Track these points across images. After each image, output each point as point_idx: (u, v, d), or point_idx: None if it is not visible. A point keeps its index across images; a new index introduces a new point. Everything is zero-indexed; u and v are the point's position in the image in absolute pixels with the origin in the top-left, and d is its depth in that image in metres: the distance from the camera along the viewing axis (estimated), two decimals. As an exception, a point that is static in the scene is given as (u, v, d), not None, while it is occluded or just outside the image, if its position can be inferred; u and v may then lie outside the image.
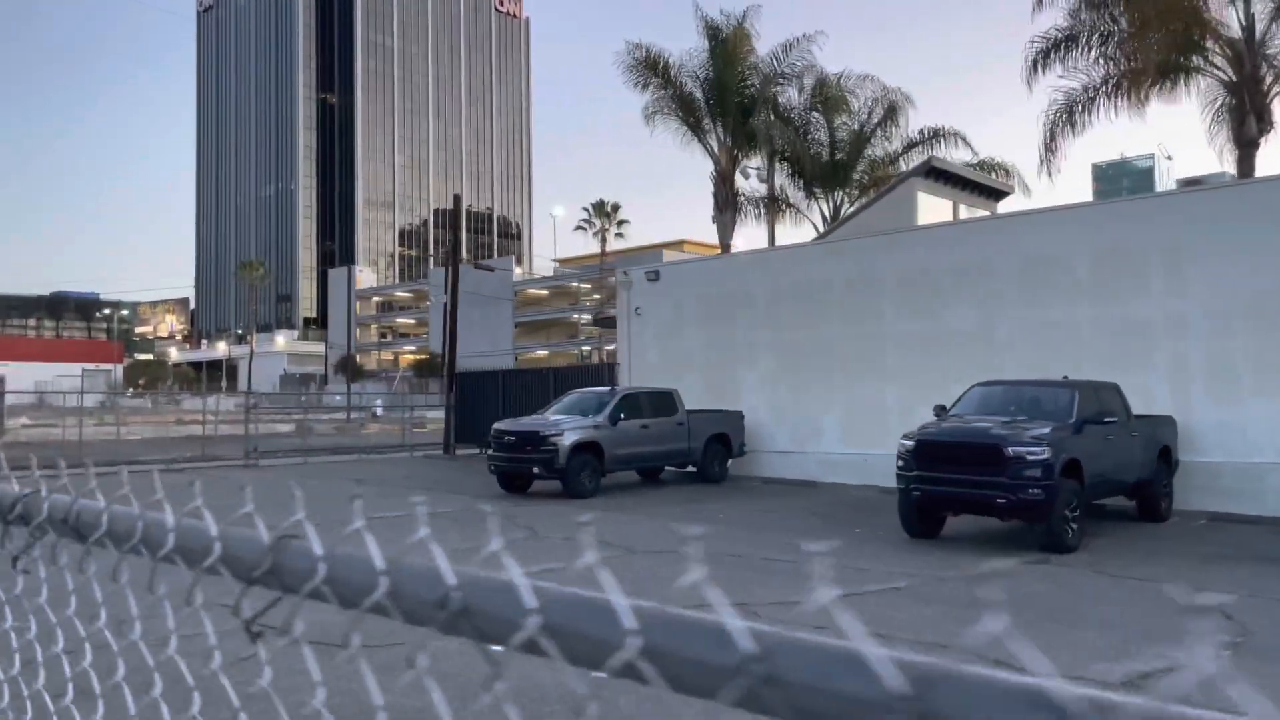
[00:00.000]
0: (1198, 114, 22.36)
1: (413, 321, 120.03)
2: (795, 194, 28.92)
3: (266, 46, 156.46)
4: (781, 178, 28.52)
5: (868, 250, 19.56)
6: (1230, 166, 23.09)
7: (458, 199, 27.22)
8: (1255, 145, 19.85)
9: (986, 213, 22.84)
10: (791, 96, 27.72)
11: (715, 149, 28.03)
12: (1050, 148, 21.47)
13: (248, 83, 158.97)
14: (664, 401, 18.85)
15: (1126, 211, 16.49)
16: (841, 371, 19.77)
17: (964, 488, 11.62)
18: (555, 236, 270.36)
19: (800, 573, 10.10)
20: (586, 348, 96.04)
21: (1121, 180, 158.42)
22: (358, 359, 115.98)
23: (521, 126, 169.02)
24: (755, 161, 28.68)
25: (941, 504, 12.09)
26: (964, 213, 22.67)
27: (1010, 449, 11.35)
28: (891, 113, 27.25)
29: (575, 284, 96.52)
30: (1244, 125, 19.72)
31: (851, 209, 26.12)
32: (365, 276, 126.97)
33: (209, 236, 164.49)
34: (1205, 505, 15.04)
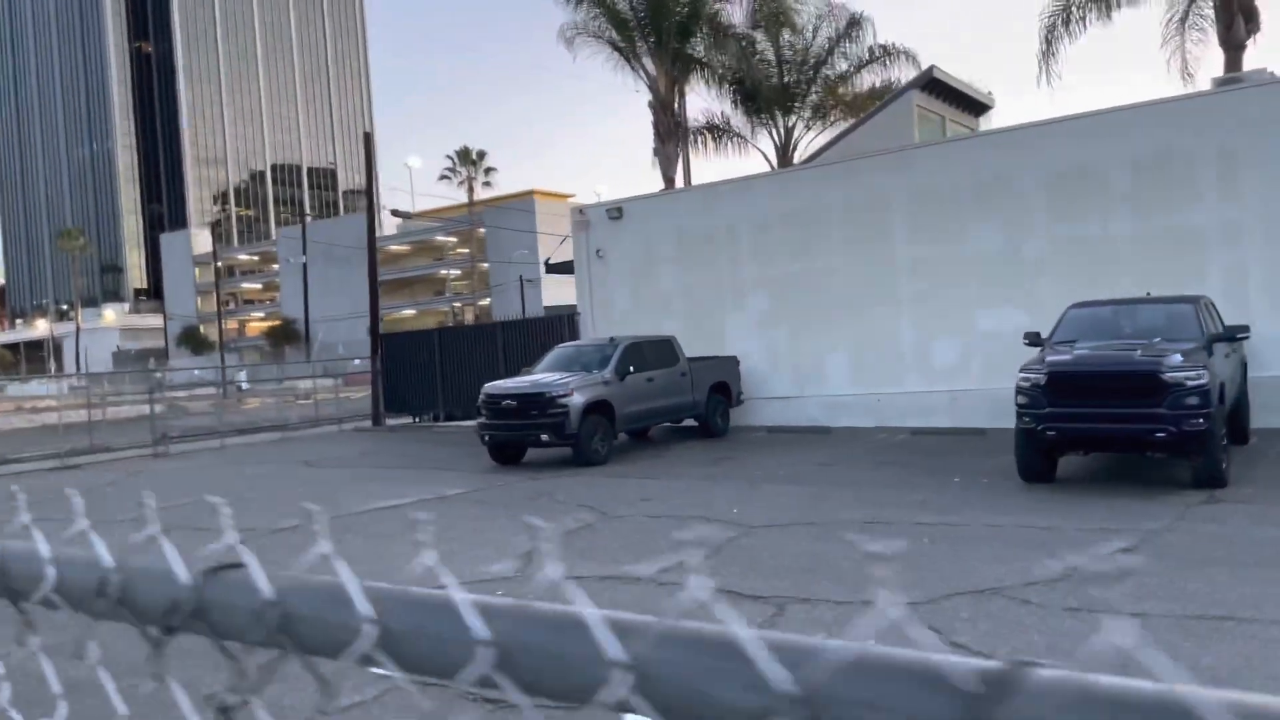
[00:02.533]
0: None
1: (259, 286, 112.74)
2: (739, 122, 27.12)
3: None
4: (724, 104, 26.67)
5: (871, 170, 17.91)
6: (1187, 77, 22.58)
7: (369, 136, 24.08)
8: (1243, 48, 19.27)
9: (968, 129, 21.67)
10: (733, 13, 25.72)
11: (653, 74, 25.73)
12: (1048, 53, 20.33)
13: (47, 32, 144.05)
14: (664, 351, 16.82)
15: (1168, 114, 15.36)
16: (846, 305, 18.17)
17: (1113, 423, 10.15)
18: (413, 189, 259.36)
19: (1028, 542, 8.40)
20: (458, 304, 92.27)
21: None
22: (201, 330, 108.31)
23: (359, 72, 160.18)
24: (694, 87, 26.61)
25: (1082, 443, 10.62)
26: (950, 129, 21.39)
27: (1168, 375, 9.92)
28: (854, 27, 25.62)
29: (440, 238, 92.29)
30: (1232, 28, 19.06)
31: (836, 131, 24.48)
32: (201, 240, 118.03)
33: (14, 206, 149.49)
34: (1271, 422, 14.20)
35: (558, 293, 74.26)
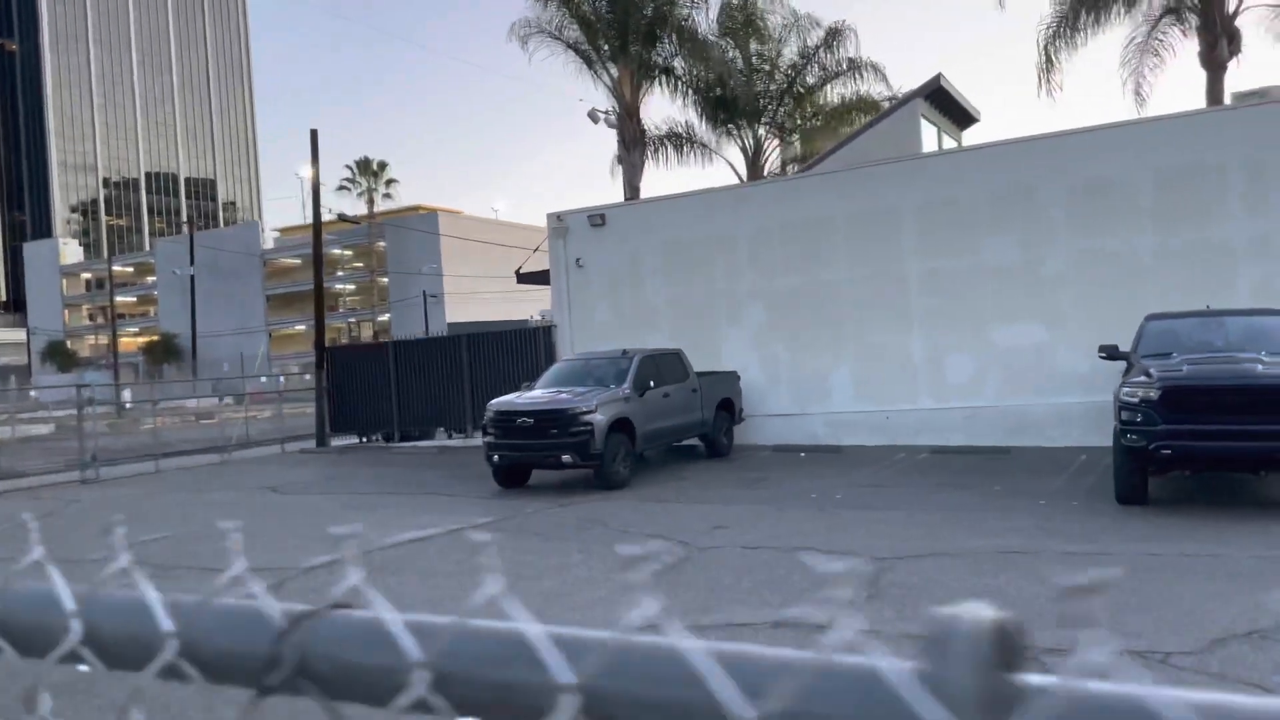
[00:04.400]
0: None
1: (133, 300, 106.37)
2: (704, 132, 26.19)
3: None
4: (688, 113, 25.72)
5: (879, 179, 17.24)
6: (1140, 100, 22.82)
7: (314, 134, 22.22)
8: (1224, 69, 19.48)
9: (955, 142, 21.30)
10: (699, 21, 24.81)
11: (616, 79, 24.61)
12: (1049, 66, 20.14)
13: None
14: (674, 365, 15.72)
15: (1193, 128, 15.16)
16: (852, 319, 17.43)
17: (1236, 440, 9.54)
18: (303, 200, 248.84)
19: (1215, 572, 7.59)
20: (353, 320, 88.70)
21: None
22: (69, 344, 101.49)
23: (242, 79, 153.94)
24: (655, 95, 25.64)
25: (1198, 461, 9.98)
26: (947, 141, 20.96)
27: (1296, 391, 9.37)
28: (835, 38, 25.00)
29: (336, 251, 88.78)
30: (1216, 48, 19.24)
31: (809, 143, 23.85)
32: (70, 250, 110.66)
33: None
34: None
35: (462, 310, 72.42)
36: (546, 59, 24.62)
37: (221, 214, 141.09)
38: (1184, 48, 22.24)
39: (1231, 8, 19.61)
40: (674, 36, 24.23)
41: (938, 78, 20.02)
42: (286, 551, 9.87)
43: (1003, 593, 7.24)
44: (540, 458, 13.45)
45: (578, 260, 19.62)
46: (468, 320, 61.04)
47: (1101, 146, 15.63)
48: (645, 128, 25.26)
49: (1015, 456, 14.94)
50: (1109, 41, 21.02)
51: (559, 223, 19.77)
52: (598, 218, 19.49)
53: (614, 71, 24.79)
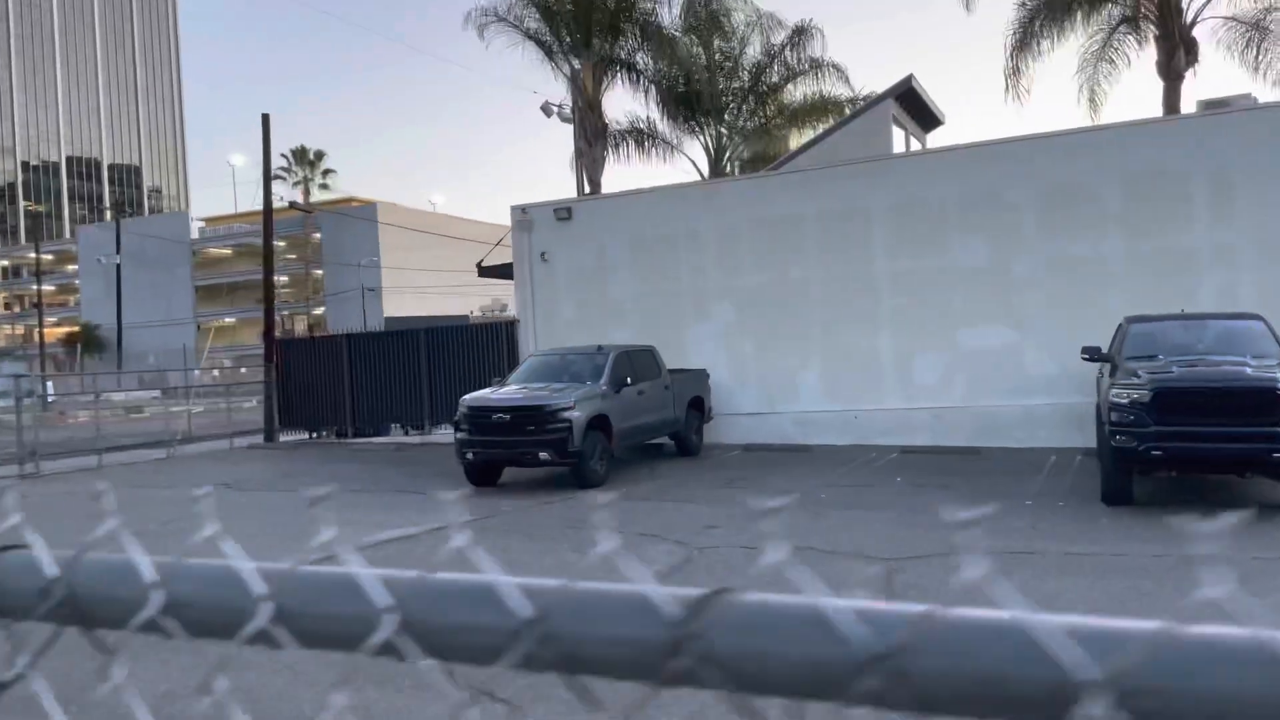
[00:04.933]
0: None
1: (52, 289, 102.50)
2: (665, 128, 25.97)
3: None
4: (649, 109, 25.47)
5: (850, 178, 17.23)
6: (1093, 107, 23.26)
7: (266, 118, 21.42)
8: (1181, 78, 19.92)
9: (919, 144, 21.43)
10: (662, 15, 24.58)
11: (578, 72, 24.25)
12: (1015, 71, 20.36)
13: None
14: (647, 362, 15.50)
15: (1161, 134, 15.44)
16: (821, 318, 17.41)
17: (1224, 442, 9.66)
18: (235, 189, 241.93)
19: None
20: (286, 312, 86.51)
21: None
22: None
23: (169, 61, 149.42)
24: (615, 90, 25.38)
25: (1186, 463, 10.08)
26: (913, 143, 21.05)
27: (1284, 392, 9.52)
28: (800, 35, 24.95)
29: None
30: (1174, 58, 19.66)
31: (770, 140, 23.80)
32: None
33: None
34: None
35: (400, 304, 71.24)
36: (505, 49, 24.05)
37: (147, 202, 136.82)
38: (1139, 57, 22.77)
39: (1189, 19, 20.09)
40: (638, 30, 24.00)
41: (909, 79, 20.13)
42: (271, 553, 9.42)
43: (1029, 593, 7.16)
44: (517, 455, 13.13)
45: (543, 254, 19.29)
46: (406, 315, 60.12)
47: (1071, 151, 15.84)
48: (607, 122, 25.00)
49: (986, 457, 15.04)
50: (1073, 49, 21.35)
51: (523, 215, 19.41)
52: (564, 211, 19.18)
53: (575, 64, 24.47)
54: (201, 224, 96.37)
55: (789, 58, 25.09)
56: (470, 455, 13.30)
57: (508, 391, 13.78)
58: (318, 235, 78.70)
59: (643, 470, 14.93)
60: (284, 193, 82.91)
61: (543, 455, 12.89)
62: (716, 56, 25.70)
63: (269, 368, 21.45)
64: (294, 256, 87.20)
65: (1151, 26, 20.30)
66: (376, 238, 75.86)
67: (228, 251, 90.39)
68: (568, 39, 24.09)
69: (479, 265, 20.14)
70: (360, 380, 20.84)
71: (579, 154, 24.79)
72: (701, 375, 17.25)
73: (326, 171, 75.44)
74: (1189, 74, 20.04)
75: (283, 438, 21.92)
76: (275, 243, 77.49)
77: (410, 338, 20.41)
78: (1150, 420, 9.88)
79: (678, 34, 24.53)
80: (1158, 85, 20.58)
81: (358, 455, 18.57)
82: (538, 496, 12.69)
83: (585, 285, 19.16)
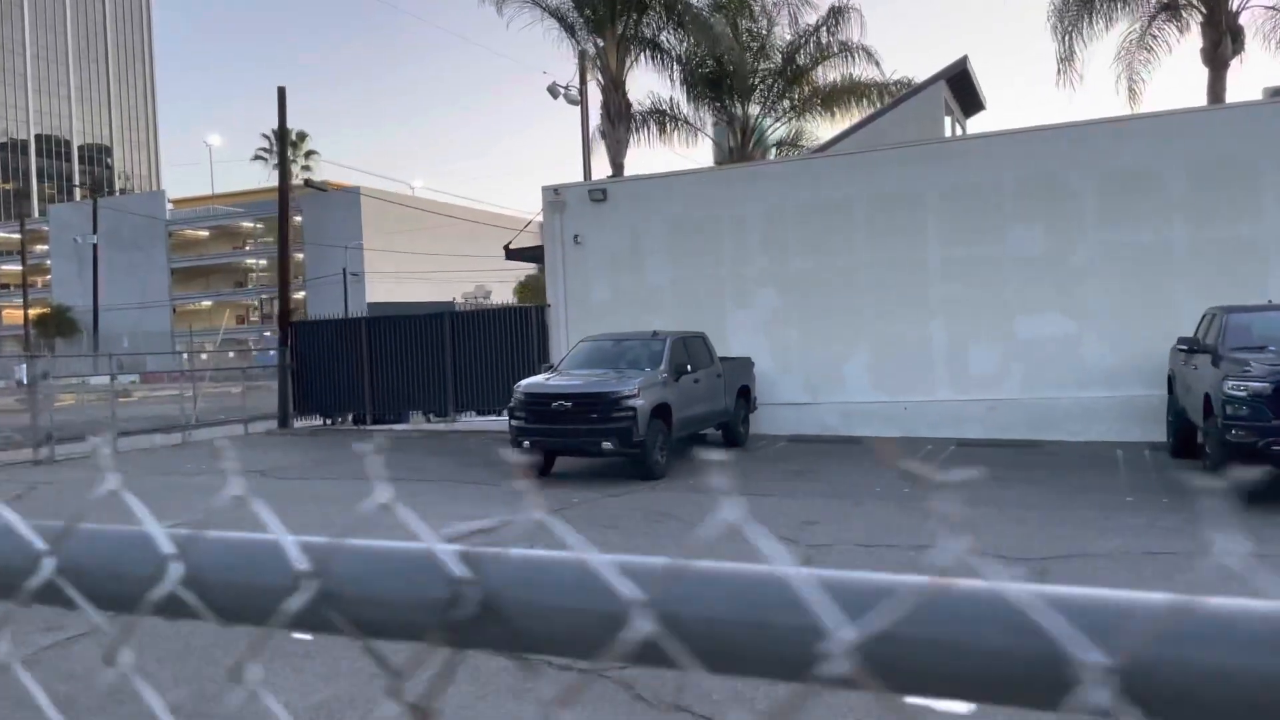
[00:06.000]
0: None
1: (19, 269, 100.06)
2: (689, 110, 25.30)
3: None
4: (674, 90, 24.80)
5: (901, 162, 16.71)
6: (1132, 95, 22.90)
7: (282, 91, 20.57)
8: (1227, 66, 19.58)
9: (958, 129, 20.96)
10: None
11: (601, 50, 23.51)
12: (1067, 56, 19.88)
13: None
14: (699, 349, 14.92)
15: (1229, 121, 15.04)
16: (869, 306, 16.90)
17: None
18: (212, 168, 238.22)
19: None
20: (265, 296, 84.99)
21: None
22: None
23: (141, 38, 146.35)
24: (636, 70, 24.65)
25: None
26: (955, 128, 20.55)
27: None
28: (836, 17, 24.35)
29: (247, 224, 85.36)
30: (1220, 46, 19.32)
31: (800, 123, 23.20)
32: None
33: None
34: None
35: (381, 289, 70.13)
36: (525, 27, 23.24)
37: (118, 182, 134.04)
38: (1179, 45, 22.37)
39: (1235, 6, 19.76)
40: (662, 6, 23.27)
41: (964, 60, 19.60)
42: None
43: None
44: (578, 444, 12.52)
45: (575, 237, 18.63)
46: (390, 300, 59.08)
47: (1133, 136, 15.41)
48: (630, 101, 24.29)
49: (1049, 451, 14.60)
50: (1117, 36, 20.90)
51: (556, 196, 18.73)
52: (598, 192, 18.53)
53: (599, 42, 23.75)
54: (170, 205, 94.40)
55: (825, 39, 24.53)
56: (527, 444, 12.66)
57: (566, 378, 13.15)
58: (299, 219, 77.16)
59: (694, 462, 14.33)
60: (263, 175, 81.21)
61: (605, 445, 12.29)
62: (744, 37, 25.08)
63: (283, 351, 20.64)
64: (270, 239, 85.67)
65: (1197, 13, 19.94)
66: (359, 221, 74.62)
67: (204, 233, 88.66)
68: (590, 15, 23.36)
69: (506, 248, 19.47)
70: (380, 364, 20.10)
71: (601, 135, 24.13)
72: (747, 364, 16.70)
73: (309, 153, 73.77)
74: (1234, 62, 19.73)
75: (296, 424, 21.14)
76: (254, 225, 75.70)
77: (434, 321, 19.68)
78: (1271, 414, 9.46)
79: (705, 12, 23.85)
80: (1194, 74, 20.23)
81: (387, 443, 17.82)
82: (599, 488, 12.09)
83: (619, 269, 18.54)
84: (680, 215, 18.12)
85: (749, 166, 18.24)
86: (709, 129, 26.34)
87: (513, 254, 19.54)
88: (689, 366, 13.71)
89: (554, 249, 18.84)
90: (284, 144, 20.82)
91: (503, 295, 67.40)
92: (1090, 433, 15.32)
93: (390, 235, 72.17)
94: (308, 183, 23.37)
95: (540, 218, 19.32)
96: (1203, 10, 19.73)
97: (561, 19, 23.82)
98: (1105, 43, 20.38)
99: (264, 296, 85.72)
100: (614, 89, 23.66)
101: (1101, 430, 15.26)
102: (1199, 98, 19.98)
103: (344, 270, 70.32)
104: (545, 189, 18.88)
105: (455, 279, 71.03)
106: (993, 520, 9.66)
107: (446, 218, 57.56)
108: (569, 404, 12.41)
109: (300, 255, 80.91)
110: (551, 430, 12.53)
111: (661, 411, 12.83)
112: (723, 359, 15.94)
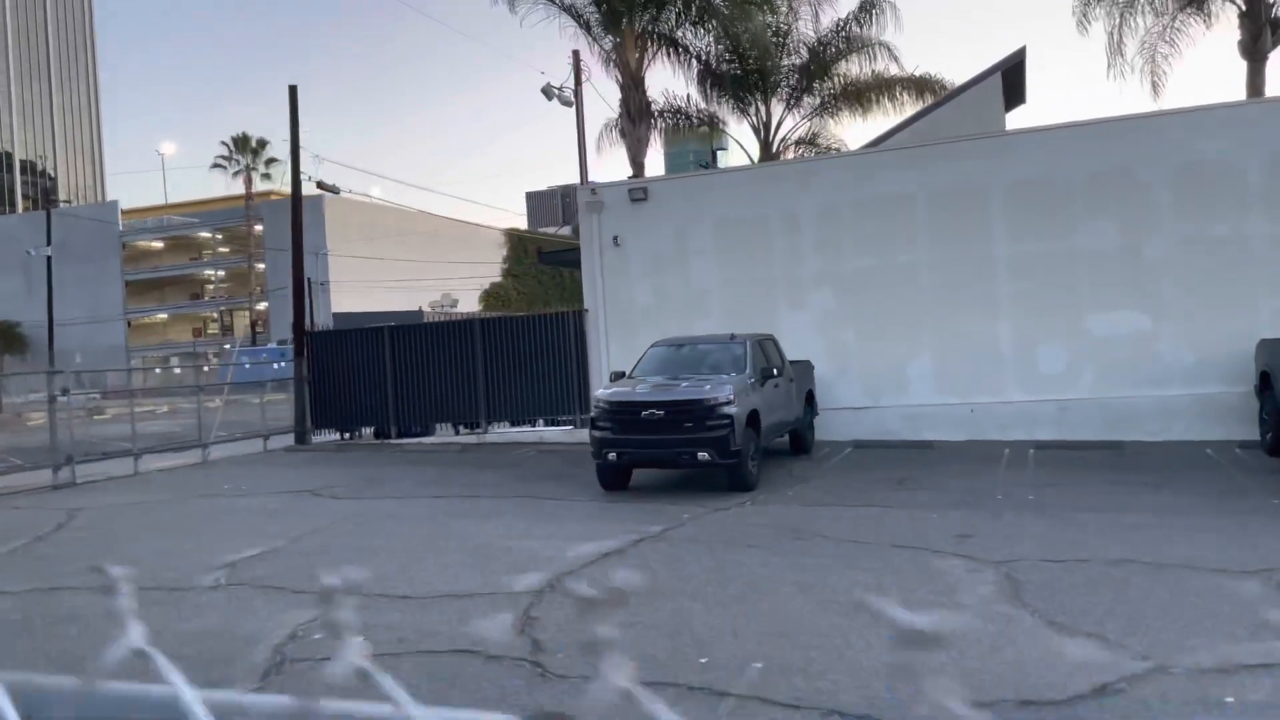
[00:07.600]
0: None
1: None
2: (708, 107, 24.54)
3: None
4: (691, 87, 24.05)
5: (964, 157, 16.16)
6: (1155, 87, 22.67)
7: (293, 90, 19.44)
8: (1265, 59, 19.39)
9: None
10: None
11: (619, 46, 22.67)
12: (1118, 47, 19.50)
13: None
14: (772, 353, 14.18)
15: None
16: (932, 306, 16.30)
17: None
18: (165, 178, 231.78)
19: None
20: (224, 308, 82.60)
21: None
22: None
23: (84, 45, 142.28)
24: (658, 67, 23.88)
25: None
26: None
27: None
28: (867, 11, 23.69)
29: (204, 234, 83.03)
30: (1260, 39, 19.10)
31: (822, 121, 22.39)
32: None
33: None
34: None
35: (348, 299, 68.42)
36: (543, 22, 22.26)
37: (62, 194, 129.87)
38: (1204, 39, 22.14)
39: (1276, -1, 19.60)
40: (685, 2, 22.51)
41: (1022, 51, 19.13)
42: (485, 573, 7.90)
43: None
44: (673, 455, 11.68)
45: (615, 238, 17.80)
46: (357, 310, 57.55)
47: (1208, 128, 14.99)
48: (650, 101, 23.50)
49: (1136, 451, 14.06)
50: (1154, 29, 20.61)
51: (593, 195, 17.89)
52: (639, 191, 17.72)
53: (615, 39, 22.95)
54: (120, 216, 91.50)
55: (855, 33, 23.95)
56: (613, 456, 11.81)
57: (649, 386, 12.30)
58: (259, 227, 75.10)
59: (774, 471, 13.57)
60: (224, 184, 78.79)
61: (702, 455, 11.47)
62: (767, 33, 24.43)
63: (300, 362, 19.51)
64: (227, 250, 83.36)
65: (1235, 5, 19.73)
66: (323, 229, 72.85)
67: (159, 245, 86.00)
68: (607, 9, 22.53)
69: (540, 251, 18.60)
70: (404, 375, 19.07)
71: (621, 134, 23.32)
72: (808, 367, 16.02)
73: (270, 161, 71.83)
74: (1273, 54, 19.56)
75: (315, 438, 20.02)
76: (212, 235, 73.26)
77: (464, 329, 18.70)
78: None
79: (725, 7, 23.16)
80: (1219, 68, 20.03)
81: (423, 457, 16.82)
82: (696, 501, 11.28)
83: (662, 271, 17.75)
84: (727, 214, 17.38)
85: (801, 162, 17.58)
86: (729, 128, 25.68)
87: (546, 257, 18.69)
88: (774, 370, 12.97)
89: (591, 251, 17.99)
90: (296, 145, 19.68)
91: (469, 304, 66.17)
92: (1170, 432, 14.84)
93: (354, 244, 70.45)
94: (320, 185, 22.20)
95: (524, 224, 18.43)
96: (1241, 5, 19.52)
97: (577, 15, 23.00)
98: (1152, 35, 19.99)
99: (223, 308, 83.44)
100: (634, 86, 22.88)
101: (1181, 429, 14.80)
102: (1228, 92, 19.82)
103: (306, 280, 68.64)
104: (581, 188, 18.05)
105: (420, 288, 69.55)
106: (1144, 528, 9.00)
107: (413, 225, 56.04)
108: (661, 413, 11.57)
109: (261, 265, 78.88)
110: (642, 441, 11.69)
111: (753, 419, 12.06)
112: (791, 363, 15.23)
